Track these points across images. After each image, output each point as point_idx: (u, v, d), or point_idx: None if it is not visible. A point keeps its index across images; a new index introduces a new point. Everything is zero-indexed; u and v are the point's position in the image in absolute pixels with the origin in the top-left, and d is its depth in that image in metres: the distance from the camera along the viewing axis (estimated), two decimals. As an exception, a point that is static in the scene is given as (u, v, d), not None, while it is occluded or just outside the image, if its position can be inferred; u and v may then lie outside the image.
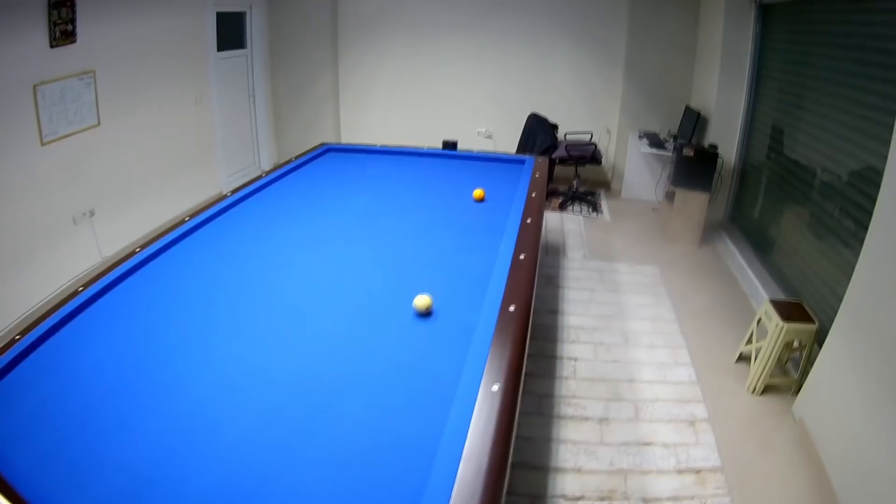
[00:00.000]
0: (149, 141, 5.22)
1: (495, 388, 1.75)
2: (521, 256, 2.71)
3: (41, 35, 4.01)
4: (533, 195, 3.67)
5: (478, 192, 3.73)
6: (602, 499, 2.71)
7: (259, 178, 3.95)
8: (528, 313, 2.28)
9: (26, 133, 4.01)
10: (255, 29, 6.77)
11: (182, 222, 3.17)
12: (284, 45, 7.17)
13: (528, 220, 3.21)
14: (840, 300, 3.21)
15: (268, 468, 1.50)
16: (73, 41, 4.27)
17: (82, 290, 2.40)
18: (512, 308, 2.24)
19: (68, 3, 4.14)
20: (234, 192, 3.66)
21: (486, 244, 2.95)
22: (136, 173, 5.14)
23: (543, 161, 4.58)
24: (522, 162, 4.63)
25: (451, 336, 2.14)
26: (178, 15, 5.42)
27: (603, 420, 3.26)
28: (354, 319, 2.28)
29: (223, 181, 6.42)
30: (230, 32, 6.38)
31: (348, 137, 7.54)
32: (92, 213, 4.66)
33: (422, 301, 2.27)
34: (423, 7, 7.07)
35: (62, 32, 4.14)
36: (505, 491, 1.43)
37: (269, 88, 7.31)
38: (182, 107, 5.66)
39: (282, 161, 7.43)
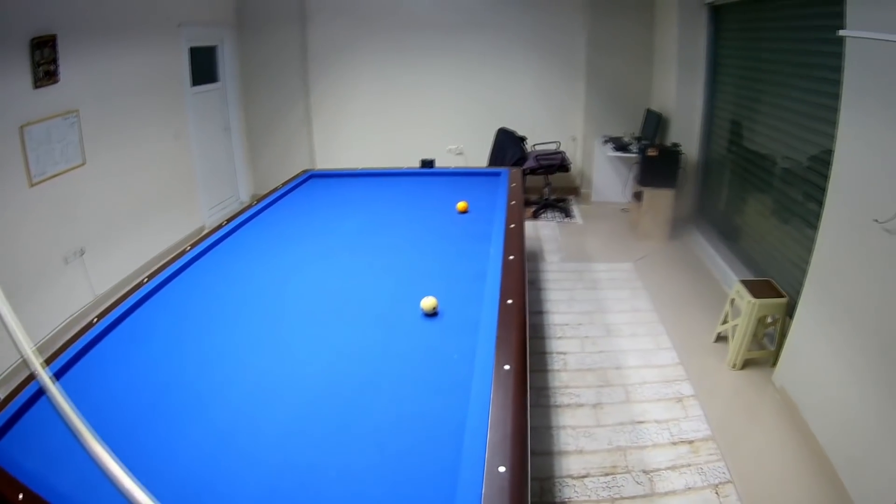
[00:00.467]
0: (133, 177, 5.31)
1: (507, 367, 1.96)
2: (511, 258, 2.91)
3: (25, 76, 4.09)
4: (513, 203, 3.88)
5: (461, 205, 3.91)
6: (606, 475, 2.92)
7: (249, 207, 4.04)
8: (525, 305, 2.48)
9: (15, 175, 4.06)
10: (226, 62, 6.92)
11: (183, 252, 3.27)
12: (256, 77, 7.33)
13: (512, 226, 3.41)
14: (805, 274, 3.50)
15: (315, 458, 1.65)
16: (56, 81, 4.35)
17: (96, 322, 2.49)
18: (510, 301, 2.45)
19: (50, 44, 4.23)
20: (228, 220, 3.77)
21: (476, 250, 3.14)
22: (123, 210, 5.20)
23: (517, 171, 4.81)
24: (498, 174, 4.84)
25: (459, 329, 2.33)
26: (154, 52, 5.54)
27: (597, 405, 3.48)
28: (370, 324, 2.45)
29: (205, 215, 6.52)
30: (203, 67, 6.52)
31: (323, 163, 7.65)
32: (82, 252, 4.71)
33: (428, 302, 2.46)
34: (391, 32, 7.28)
35: (45, 73, 4.23)
36: (529, 450, 1.63)
37: (244, 120, 7.44)
38: (162, 142, 5.76)
39: (260, 192, 7.58)
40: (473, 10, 7.20)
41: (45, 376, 1.34)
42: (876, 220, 2.70)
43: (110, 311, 2.56)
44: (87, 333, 2.38)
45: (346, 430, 1.76)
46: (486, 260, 2.98)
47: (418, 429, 1.75)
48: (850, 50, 2.97)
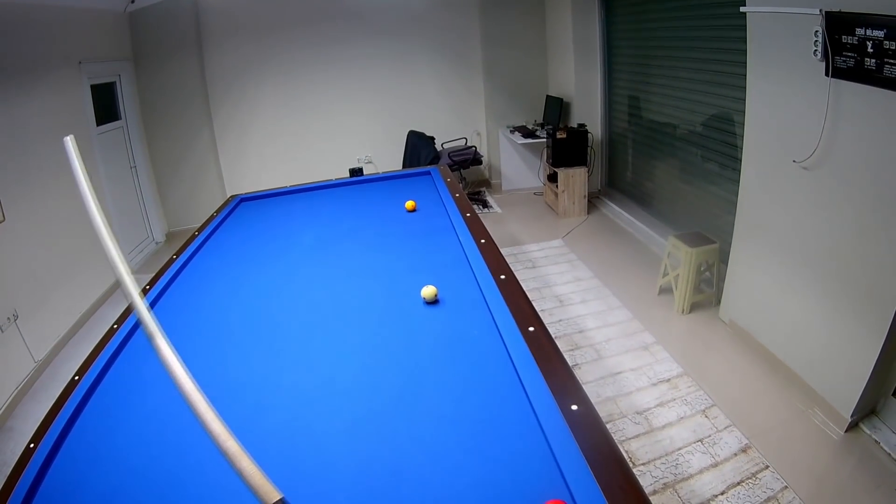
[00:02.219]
0: (53, 229, 5.05)
1: (531, 329, 2.16)
2: (483, 241, 3.09)
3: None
4: (457, 195, 4.05)
5: (409, 204, 3.99)
6: (607, 422, 3.16)
7: (191, 239, 3.80)
8: (515, 279, 2.67)
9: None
10: (126, 98, 6.67)
11: (145, 290, 3.02)
12: (157, 110, 7.11)
13: (468, 215, 3.57)
14: (723, 221, 4.04)
15: (398, 460, 1.67)
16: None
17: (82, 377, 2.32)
18: (503, 277, 2.63)
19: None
20: (177, 254, 3.54)
21: (445, 240, 3.24)
22: (48, 264, 4.94)
23: (445, 168, 4.99)
24: (428, 173, 4.97)
25: (468, 307, 2.45)
26: (57, 92, 5.31)
27: (574, 366, 3.75)
28: (379, 323, 2.47)
29: (125, 260, 6.30)
30: (104, 105, 6.27)
31: (233, 189, 7.43)
32: (16, 316, 4.42)
33: (428, 291, 2.53)
34: (288, 48, 7.25)
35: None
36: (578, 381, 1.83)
37: (149, 156, 7.19)
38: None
39: (174, 229, 7.43)
40: (370, 18, 7.31)
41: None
42: (794, 161, 3.14)
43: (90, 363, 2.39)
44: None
45: (424, 418, 1.80)
46: (459, 247, 3.09)
47: (485, 396, 1.86)
48: (751, 21, 3.43)
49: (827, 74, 2.85)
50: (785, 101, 3.26)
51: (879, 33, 2.51)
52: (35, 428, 1.91)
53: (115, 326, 2.62)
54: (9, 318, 4.34)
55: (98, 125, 6.05)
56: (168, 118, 7.21)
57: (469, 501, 1.46)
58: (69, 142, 1.55)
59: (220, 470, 1.65)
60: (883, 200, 2.70)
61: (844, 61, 2.74)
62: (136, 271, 6.27)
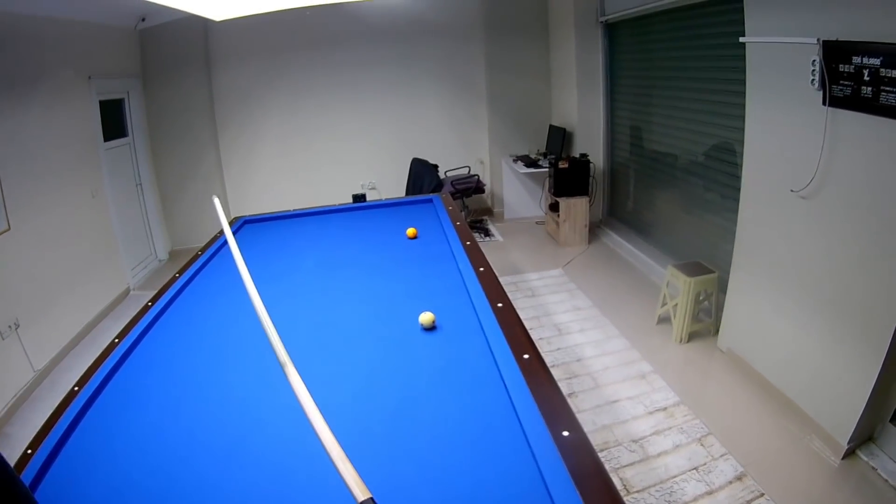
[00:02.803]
0: (58, 240, 5.08)
1: (526, 356, 2.19)
2: (481, 269, 3.13)
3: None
4: (458, 224, 4.09)
5: (411, 231, 4.03)
6: (601, 450, 3.21)
7: (194, 259, 3.86)
8: (512, 307, 2.71)
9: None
10: (134, 115, 6.75)
11: (146, 307, 3.06)
12: (164, 128, 7.18)
13: (468, 243, 3.61)
14: (721, 251, 4.15)
15: (392, 481, 1.74)
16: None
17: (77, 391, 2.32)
18: (500, 305, 2.67)
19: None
20: (180, 272, 3.57)
21: (444, 268, 3.28)
22: (52, 275, 4.96)
23: (448, 196, 5.05)
24: (430, 200, 5.03)
25: (465, 335, 2.49)
26: (66, 107, 5.37)
27: (571, 394, 3.77)
28: (377, 347, 2.50)
29: (128, 276, 6.31)
30: (112, 121, 6.35)
31: (237, 211, 7.34)
32: (17, 325, 4.44)
33: (426, 317, 2.56)
34: (296, 72, 7.35)
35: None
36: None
37: (155, 174, 7.25)
38: (81, 201, 5.53)
39: (178, 248, 7.47)
40: (377, 45, 7.41)
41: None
42: (792, 190, 3.19)
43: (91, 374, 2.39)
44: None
45: (418, 441, 1.84)
46: (458, 274, 3.13)
47: (479, 420, 1.89)
48: (750, 51, 3.51)
49: (824, 103, 2.91)
50: (783, 130, 3.32)
51: (876, 61, 2.57)
52: (32, 435, 1.95)
53: (117, 340, 2.66)
54: (10, 327, 4.38)
55: (105, 141, 6.12)
56: (175, 137, 7.29)
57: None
58: (216, 200, 1.63)
59: (218, 482, 1.72)
60: (880, 228, 2.74)
61: (841, 90, 2.80)
62: (138, 288, 6.38)
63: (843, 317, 3.05)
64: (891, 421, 3.02)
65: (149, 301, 3.13)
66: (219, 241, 4.17)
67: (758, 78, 3.49)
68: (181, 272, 3.55)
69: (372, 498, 1.17)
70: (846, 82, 2.76)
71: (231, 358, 2.51)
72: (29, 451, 1.87)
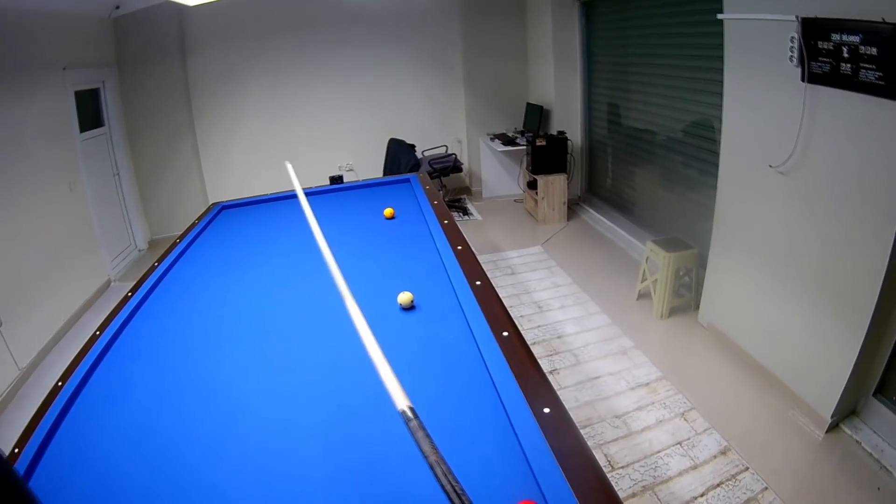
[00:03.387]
0: (36, 236, 4.98)
1: (505, 334, 2.16)
2: (459, 248, 3.08)
3: None
4: (435, 203, 4.04)
5: (388, 211, 3.97)
6: (584, 427, 3.19)
7: (172, 247, 3.77)
8: (491, 284, 2.67)
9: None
10: (110, 104, 6.60)
11: (126, 298, 3.00)
12: (141, 116, 7.04)
13: (446, 222, 3.57)
14: (700, 226, 4.14)
15: (373, 460, 1.71)
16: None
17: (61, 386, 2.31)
18: (478, 283, 2.63)
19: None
20: (159, 261, 3.51)
21: (422, 247, 3.24)
22: (31, 271, 4.85)
23: (425, 175, 4.99)
24: (407, 180, 4.97)
25: (443, 315, 2.45)
26: (41, 98, 5.22)
27: (553, 371, 3.75)
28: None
29: (108, 267, 6.19)
30: (88, 112, 6.20)
31: (215, 197, 7.30)
32: (0, 324, 4.34)
33: (405, 297, 2.52)
34: (272, 56, 7.22)
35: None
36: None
37: (132, 163, 7.12)
38: (59, 195, 5.42)
39: (157, 237, 7.36)
40: (353, 27, 7.29)
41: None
42: (771, 166, 3.17)
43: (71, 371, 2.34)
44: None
45: (399, 420, 1.71)
46: (436, 254, 3.09)
47: (460, 399, 1.85)
48: (728, 28, 3.48)
49: (803, 80, 2.88)
50: (761, 106, 3.29)
51: (855, 38, 2.54)
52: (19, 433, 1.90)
53: (98, 333, 2.59)
54: None
55: (82, 132, 6.00)
56: (152, 125, 7.16)
57: (442, 500, 1.45)
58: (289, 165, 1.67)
59: (206, 469, 1.68)
60: (859, 203, 2.73)
61: (820, 66, 2.77)
62: (119, 279, 6.27)
63: (824, 291, 3.04)
64: (873, 395, 3.02)
65: (128, 291, 3.06)
66: (197, 228, 4.11)
67: (736, 54, 3.46)
68: (160, 261, 3.48)
69: (411, 406, 1.21)
70: (825, 59, 2.73)
71: (213, 343, 2.46)
72: (16, 451, 1.83)
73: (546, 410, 1.68)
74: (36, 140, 5.15)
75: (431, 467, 1.05)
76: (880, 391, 3.00)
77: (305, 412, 1.90)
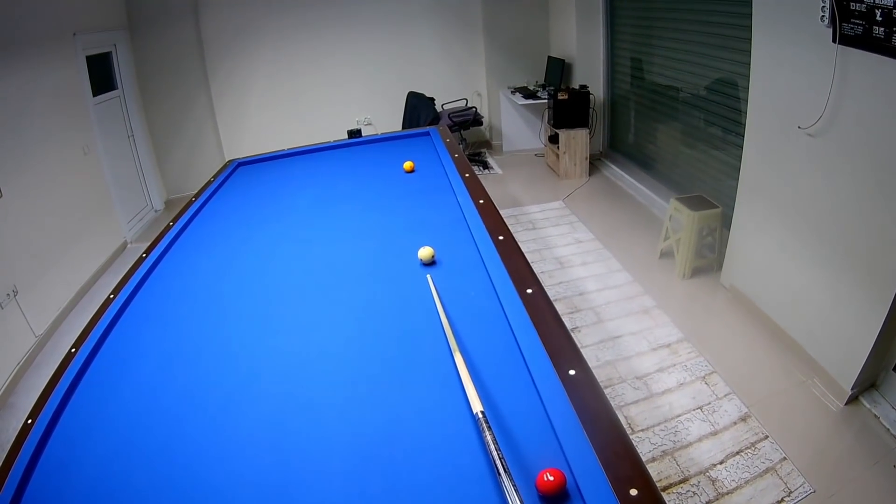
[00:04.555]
0: (51, 202, 4.94)
1: (529, 291, 2.10)
2: (481, 201, 3.02)
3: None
4: (456, 156, 3.96)
5: (408, 165, 3.88)
6: (605, 387, 3.15)
7: (187, 206, 3.69)
8: (514, 238, 2.61)
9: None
10: (122, 67, 6.51)
11: (140, 259, 2.94)
12: (153, 77, 6.94)
13: (467, 175, 3.49)
14: (725, 185, 4.07)
15: (392, 426, 1.67)
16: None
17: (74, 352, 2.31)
18: (501, 237, 2.57)
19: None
20: (174, 220, 3.47)
21: (443, 200, 3.17)
22: (46, 239, 4.82)
23: (445, 128, 4.89)
24: (427, 133, 4.87)
25: (465, 268, 2.40)
26: (52, 66, 5.14)
27: (574, 329, 3.70)
28: (378, 285, 2.40)
29: (125, 230, 6.19)
30: (100, 75, 6.11)
31: (231, 154, 7.25)
32: (16, 292, 4.31)
33: (425, 252, 2.46)
34: (286, 9, 7.06)
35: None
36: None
37: (146, 124, 7.05)
38: (73, 160, 5.37)
39: (173, 196, 7.32)
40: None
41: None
42: (799, 127, 3.05)
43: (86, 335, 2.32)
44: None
45: (420, 382, 1.76)
46: (457, 207, 3.03)
47: (482, 360, 1.79)
48: None
49: (834, 41, 2.74)
50: (790, 66, 3.14)
51: (889, 2, 2.40)
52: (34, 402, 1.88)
53: (112, 296, 2.55)
54: (9, 295, 4.25)
55: (94, 96, 5.91)
56: (165, 85, 7.04)
57: (465, 468, 1.41)
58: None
59: (211, 437, 1.64)
60: (889, 170, 2.61)
61: (852, 28, 2.63)
62: (135, 240, 6.24)
63: (849, 260, 2.94)
64: (894, 369, 2.94)
65: (143, 252, 3.01)
66: (212, 186, 4.05)
67: (764, 11, 3.29)
68: (175, 220, 3.43)
69: (483, 411, 1.43)
70: (857, 21, 2.59)
71: (227, 306, 2.40)
72: (29, 421, 1.80)
73: (571, 372, 1.63)
74: (48, 107, 5.08)
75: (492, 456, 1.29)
76: (900, 366, 2.93)
77: (328, 374, 1.86)
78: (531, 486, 1.31)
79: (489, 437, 1.34)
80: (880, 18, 2.46)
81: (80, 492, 1.53)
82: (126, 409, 1.82)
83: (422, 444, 1.50)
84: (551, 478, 1.27)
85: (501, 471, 1.24)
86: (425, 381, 1.75)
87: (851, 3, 2.59)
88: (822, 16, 2.77)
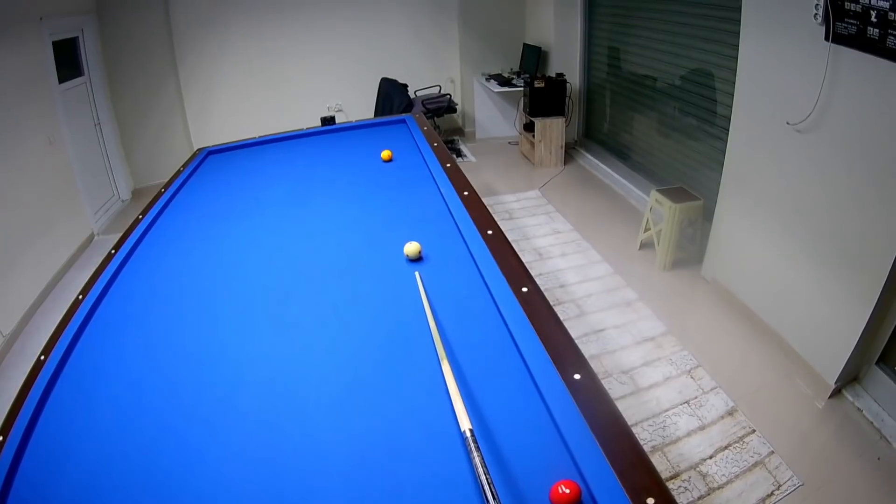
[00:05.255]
0: (15, 192, 4.72)
1: (525, 289, 2.05)
2: (466, 193, 2.95)
3: None
4: (435, 145, 3.88)
5: (385, 153, 3.78)
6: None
7: (157, 197, 3.54)
8: (503, 234, 2.55)
9: None
10: (89, 52, 6.25)
11: (109, 256, 2.77)
12: (121, 63, 6.68)
13: (448, 165, 3.42)
14: (705, 178, 4.09)
15: (389, 434, 1.61)
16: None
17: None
18: (490, 232, 2.51)
19: None
20: (143, 213, 3.31)
21: (425, 192, 3.11)
22: (11, 231, 4.59)
23: (421, 116, 4.81)
24: (402, 121, 4.78)
25: (456, 266, 2.32)
26: (16, 51, 4.90)
27: (557, 323, 3.65)
28: (362, 285, 2.30)
29: (91, 221, 5.95)
30: (66, 61, 5.86)
31: (200, 142, 7.04)
32: None
33: (411, 248, 2.37)
34: (255, -2, 6.88)
35: None
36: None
37: (113, 111, 6.79)
38: (38, 150, 5.14)
39: (140, 186, 7.09)
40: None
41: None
42: (788, 123, 3.04)
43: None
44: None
45: (414, 388, 1.68)
46: (440, 199, 2.96)
47: (480, 363, 1.73)
48: None
49: (827, 39, 2.72)
50: (780, 61, 3.12)
51: (885, 4, 2.39)
52: (6, 410, 1.76)
53: (81, 297, 2.41)
54: None
55: (61, 82, 5.66)
56: (133, 72, 6.79)
57: (468, 478, 1.34)
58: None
59: (195, 436, 1.58)
60: (877, 169, 2.61)
61: (846, 28, 2.61)
62: (102, 232, 6.02)
63: (835, 255, 2.94)
64: (876, 363, 2.95)
65: (111, 248, 2.84)
66: (182, 176, 3.88)
67: (755, 5, 3.26)
68: (144, 213, 3.27)
69: (471, 429, 1.33)
70: (851, 21, 2.57)
71: (205, 303, 2.29)
72: (0, 439, 1.66)
73: (577, 377, 1.59)
74: (12, 94, 4.84)
75: (480, 480, 1.20)
76: (882, 360, 2.94)
77: (311, 377, 1.78)
78: (544, 500, 1.26)
79: (477, 460, 1.24)
80: (875, 20, 2.45)
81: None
82: (103, 422, 1.70)
83: (414, 466, 1.42)
84: (567, 490, 1.23)
85: (490, 498, 1.15)
86: (413, 393, 1.66)
87: (846, 3, 2.58)
88: (816, 13, 2.75)
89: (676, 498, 2.42)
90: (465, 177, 3.19)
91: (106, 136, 6.65)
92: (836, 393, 3.03)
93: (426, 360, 1.75)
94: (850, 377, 3.04)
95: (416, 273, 2.26)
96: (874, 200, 2.66)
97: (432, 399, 1.60)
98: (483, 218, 2.65)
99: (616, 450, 1.35)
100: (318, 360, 1.85)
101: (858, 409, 2.93)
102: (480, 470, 1.21)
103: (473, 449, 1.27)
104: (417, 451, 1.45)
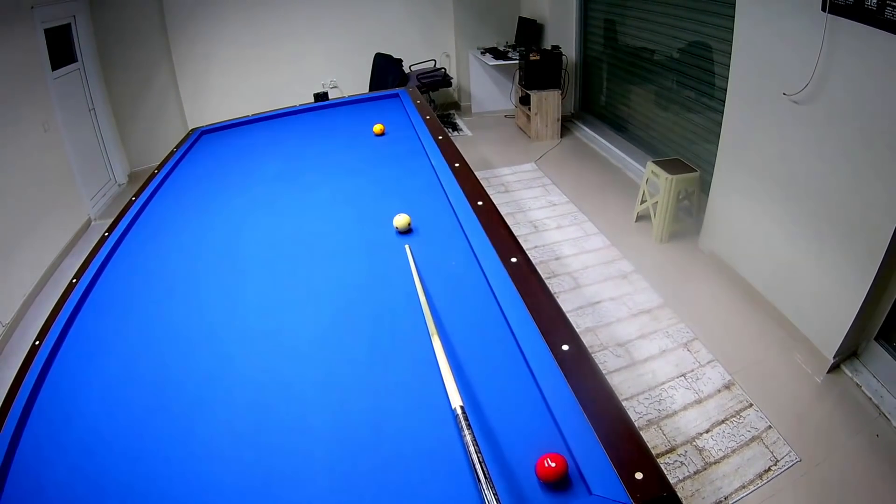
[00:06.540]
0: (10, 183, 4.66)
1: (514, 259, 2.00)
2: (457, 165, 2.90)
3: None
4: (428, 118, 3.82)
5: (377, 127, 3.72)
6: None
7: (150, 179, 3.48)
8: (494, 205, 2.50)
9: None
10: (82, 38, 6.15)
11: (103, 238, 2.76)
12: (114, 47, 6.55)
13: (440, 138, 3.37)
14: (701, 149, 4.02)
15: (377, 412, 1.52)
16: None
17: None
18: (480, 203, 2.46)
19: None
20: (136, 195, 3.26)
21: (417, 165, 3.05)
22: (7, 223, 4.54)
23: (414, 90, 4.73)
24: (396, 95, 4.71)
25: (445, 237, 2.29)
26: (7, 40, 4.82)
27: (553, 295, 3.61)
28: (352, 256, 2.28)
29: (88, 206, 5.89)
30: (59, 48, 5.78)
31: (195, 123, 6.90)
32: None
33: (401, 220, 2.34)
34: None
35: None
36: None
37: (107, 96, 6.69)
38: (32, 138, 5.06)
39: (136, 169, 7.03)
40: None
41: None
42: (784, 94, 2.97)
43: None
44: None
45: (402, 362, 1.66)
46: (432, 172, 2.91)
47: (467, 335, 1.70)
48: None
49: (823, 9, 2.65)
50: (776, 31, 3.05)
51: None
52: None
53: (75, 281, 2.40)
54: None
55: (53, 69, 5.58)
56: (126, 56, 6.68)
57: (459, 454, 1.30)
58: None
59: (187, 425, 1.54)
60: (875, 141, 2.55)
61: None
62: (99, 217, 5.96)
63: (834, 227, 2.88)
64: (875, 338, 2.91)
65: (105, 231, 2.83)
66: (175, 156, 3.83)
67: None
68: (137, 195, 3.23)
69: (462, 406, 1.31)
70: None
71: (195, 284, 2.26)
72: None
73: (565, 347, 1.56)
74: (5, 83, 4.77)
75: (472, 460, 1.17)
76: (881, 336, 2.89)
77: (300, 353, 1.75)
78: (530, 473, 1.22)
79: (468, 437, 1.21)
80: (873, -9, 2.39)
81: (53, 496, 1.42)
82: (97, 403, 1.69)
83: (403, 443, 1.39)
84: (553, 464, 1.20)
85: (481, 475, 1.11)
86: (404, 369, 1.63)
87: (843, -26, 2.51)
88: (812, -18, 2.68)
89: (672, 472, 2.42)
90: (456, 149, 3.14)
91: (101, 121, 6.56)
92: (835, 368, 2.99)
93: (417, 335, 1.71)
94: (849, 352, 3.00)
95: (406, 246, 2.21)
96: (871, 173, 2.60)
97: (423, 375, 1.56)
98: (473, 189, 2.59)
99: (605, 423, 1.31)
100: (308, 335, 1.83)
101: (857, 384, 2.89)
102: (472, 449, 1.18)
103: (464, 426, 1.24)
104: (408, 427, 1.42)
